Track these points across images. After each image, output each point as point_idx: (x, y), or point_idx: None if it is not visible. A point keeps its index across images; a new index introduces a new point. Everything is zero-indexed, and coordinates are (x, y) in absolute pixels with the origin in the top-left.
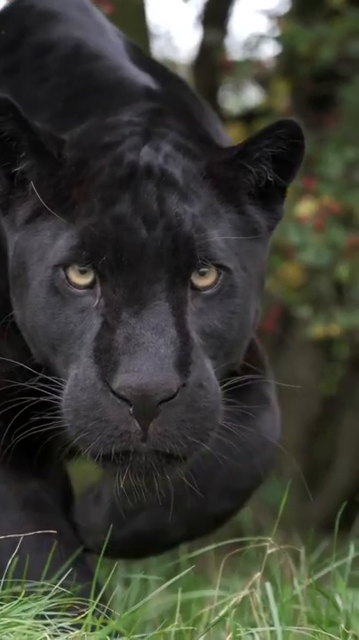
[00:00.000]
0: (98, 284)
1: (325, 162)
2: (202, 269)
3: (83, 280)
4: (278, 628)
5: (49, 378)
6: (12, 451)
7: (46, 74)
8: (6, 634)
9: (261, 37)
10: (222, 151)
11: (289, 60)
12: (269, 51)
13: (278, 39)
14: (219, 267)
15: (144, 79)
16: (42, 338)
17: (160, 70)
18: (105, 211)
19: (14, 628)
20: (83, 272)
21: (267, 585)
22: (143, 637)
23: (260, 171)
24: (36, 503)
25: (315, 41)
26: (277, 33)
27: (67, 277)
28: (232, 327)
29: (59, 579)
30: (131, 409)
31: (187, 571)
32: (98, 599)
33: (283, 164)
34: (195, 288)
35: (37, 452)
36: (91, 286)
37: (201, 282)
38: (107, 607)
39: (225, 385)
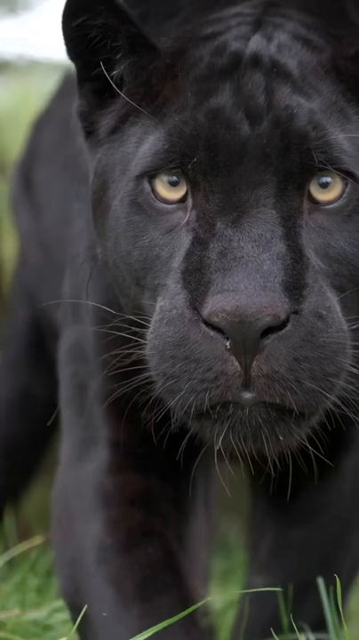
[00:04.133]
0: (189, 196)
1: None
2: (323, 178)
3: (174, 194)
4: None
5: (135, 319)
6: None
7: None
8: None
9: None
10: (353, 44)
11: None
12: None
13: None
14: (347, 174)
15: None
16: (125, 272)
17: None
18: (199, 105)
19: None
20: (173, 184)
21: None
22: None
23: None
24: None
25: None
26: None
27: (153, 190)
28: None
29: None
30: (227, 343)
31: None
32: None
33: None
34: (315, 202)
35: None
36: (182, 200)
37: (323, 195)
38: None
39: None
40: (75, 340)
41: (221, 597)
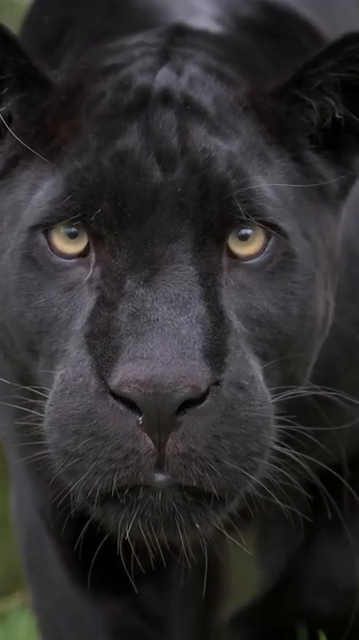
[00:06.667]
0: (92, 250)
1: None
2: (243, 230)
3: (73, 247)
4: None
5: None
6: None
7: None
8: None
9: None
10: (270, 76)
11: None
12: None
13: None
14: (270, 227)
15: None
16: (15, 336)
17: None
18: (103, 148)
19: None
20: (72, 236)
21: None
22: None
23: (324, 105)
24: (118, 630)
25: None
26: None
27: (49, 243)
28: (289, 314)
29: None
30: (139, 418)
31: None
32: None
33: (356, 96)
34: (234, 257)
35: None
36: (83, 254)
37: (242, 249)
38: None
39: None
40: None
41: None
